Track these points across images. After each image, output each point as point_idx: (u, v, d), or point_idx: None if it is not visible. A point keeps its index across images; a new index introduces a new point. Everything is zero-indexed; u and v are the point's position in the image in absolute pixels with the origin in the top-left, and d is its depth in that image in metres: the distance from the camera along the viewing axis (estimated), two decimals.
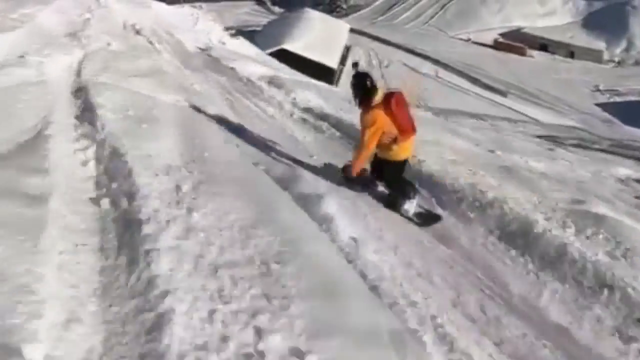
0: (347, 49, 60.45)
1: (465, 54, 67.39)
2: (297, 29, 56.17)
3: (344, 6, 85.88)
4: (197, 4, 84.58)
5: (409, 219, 7.25)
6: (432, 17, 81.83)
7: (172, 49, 17.71)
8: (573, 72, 67.28)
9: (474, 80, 58.23)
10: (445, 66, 60.81)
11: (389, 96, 6.97)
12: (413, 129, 7.17)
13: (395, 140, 7.01)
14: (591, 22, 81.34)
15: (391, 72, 57.09)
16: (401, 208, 7.30)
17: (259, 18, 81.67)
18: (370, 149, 7.12)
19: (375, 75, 56.99)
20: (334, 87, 53.22)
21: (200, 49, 19.54)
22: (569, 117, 50.86)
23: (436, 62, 61.32)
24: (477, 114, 41.27)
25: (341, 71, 54.95)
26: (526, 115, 45.29)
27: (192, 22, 23.28)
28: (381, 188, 7.80)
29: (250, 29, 72.13)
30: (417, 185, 7.77)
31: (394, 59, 60.93)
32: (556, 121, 45.20)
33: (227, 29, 74.64)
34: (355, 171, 7.35)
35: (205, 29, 22.58)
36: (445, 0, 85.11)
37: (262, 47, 54.57)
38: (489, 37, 76.58)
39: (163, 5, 24.07)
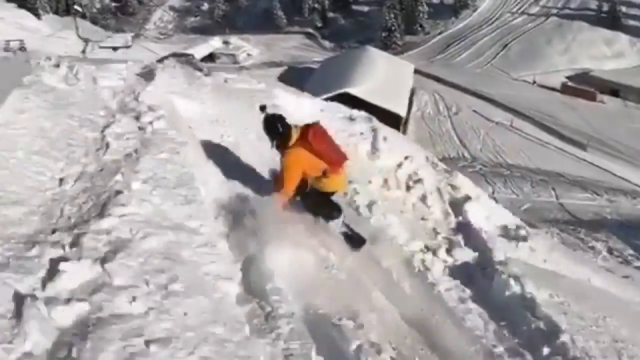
0: (412, 93, 55.82)
1: (531, 98, 62.32)
2: (360, 70, 51.68)
3: (399, 42, 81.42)
4: (244, 36, 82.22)
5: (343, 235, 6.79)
6: (494, 57, 76.91)
7: None
8: None
9: (549, 130, 53.21)
10: (516, 113, 55.90)
11: (306, 131, 6.33)
12: (342, 159, 6.61)
13: (325, 174, 6.45)
14: None
15: (461, 120, 52.34)
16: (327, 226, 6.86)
17: (310, 53, 77.90)
18: (290, 193, 6.44)
19: (444, 123, 53.18)
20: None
21: None
22: None
23: (507, 109, 56.38)
24: (584, 181, 36.25)
25: (407, 119, 50.42)
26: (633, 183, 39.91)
27: (360, 131, 9.74)
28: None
29: (302, 65, 68.46)
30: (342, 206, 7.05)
31: (462, 104, 55.97)
32: None
33: (276, 64, 72.40)
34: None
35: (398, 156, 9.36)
36: (508, 39, 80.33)
37: (320, 89, 50.54)
38: (555, 80, 71.44)
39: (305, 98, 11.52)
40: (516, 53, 77.37)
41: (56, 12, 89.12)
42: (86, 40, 51.31)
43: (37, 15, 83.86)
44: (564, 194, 32.05)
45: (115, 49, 66.35)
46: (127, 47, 68.74)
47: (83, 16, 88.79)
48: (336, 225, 6.84)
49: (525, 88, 68.28)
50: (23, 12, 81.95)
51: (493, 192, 31.01)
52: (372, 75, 50.78)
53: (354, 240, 6.84)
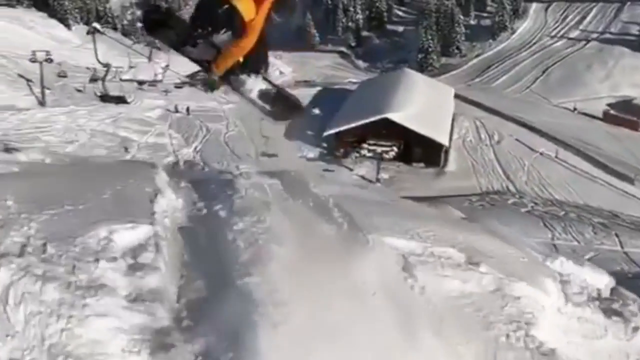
0: (452, 119, 53.96)
1: (573, 126, 60.12)
2: (399, 94, 49.87)
3: (436, 65, 79.71)
4: (277, 53, 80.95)
5: (253, 102, 5.75)
6: (533, 82, 74.78)
7: None
8: None
9: (594, 162, 50.99)
10: (558, 142, 53.79)
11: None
12: None
13: None
14: None
15: (504, 150, 50.42)
16: (241, 87, 5.81)
17: (344, 73, 76.64)
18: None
19: (486, 153, 51.30)
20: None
21: None
22: None
23: (550, 137, 54.30)
24: None
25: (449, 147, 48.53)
26: None
27: None
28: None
29: (337, 86, 67.01)
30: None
31: (504, 132, 54.00)
32: None
33: (310, 83, 70.82)
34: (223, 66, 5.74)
35: None
36: (547, 64, 78.22)
37: (359, 114, 49.07)
38: (596, 107, 69.07)
39: None
40: (556, 78, 75.12)
41: (87, 23, 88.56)
42: (107, 66, 48.71)
43: (67, 26, 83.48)
44: (628, 242, 30.01)
45: (141, 83, 60.87)
46: (157, 81, 62.08)
47: (114, 28, 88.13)
48: (255, 81, 5.93)
49: (566, 115, 66.05)
50: (53, 22, 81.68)
51: (553, 238, 29.17)
52: (412, 99, 49.01)
53: (285, 104, 6.08)
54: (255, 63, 5.93)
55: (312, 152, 47.78)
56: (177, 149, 45.10)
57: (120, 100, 43.33)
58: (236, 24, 5.48)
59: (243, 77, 5.90)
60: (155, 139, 46.65)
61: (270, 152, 45.20)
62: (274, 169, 44.07)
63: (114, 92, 49.45)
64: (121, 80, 54.68)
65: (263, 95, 5.82)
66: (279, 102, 5.90)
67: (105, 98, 42.09)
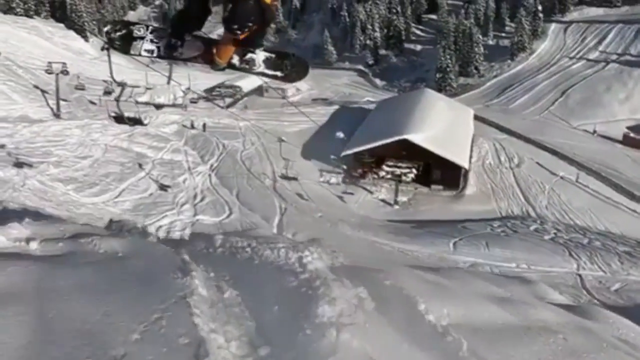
0: (471, 140, 53.14)
1: (593, 149, 59.06)
2: (419, 115, 49.12)
3: (454, 84, 78.95)
4: None
5: (264, 75, 5.57)
6: (552, 104, 73.65)
7: None
8: None
9: (615, 187, 49.83)
10: (579, 165, 52.77)
11: None
12: None
13: None
14: None
15: (524, 173, 49.49)
16: (253, 67, 5.51)
17: (361, 91, 76.00)
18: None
19: (506, 176, 50.33)
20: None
21: None
22: None
23: (571, 161, 53.31)
24: None
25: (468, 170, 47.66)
26: None
27: None
28: None
29: (354, 105, 66.40)
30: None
31: (524, 154, 53.09)
32: None
33: (326, 101, 70.06)
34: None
35: None
36: (566, 85, 77.16)
37: (377, 134, 48.35)
38: (616, 130, 68.01)
39: None
40: (575, 100, 73.89)
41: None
42: (121, 85, 47.55)
43: (85, 37, 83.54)
44: None
45: (158, 107, 58.36)
46: (176, 105, 59.41)
47: None
48: (259, 54, 5.61)
49: (586, 138, 64.99)
50: (71, 33, 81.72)
51: (578, 268, 28.24)
52: (432, 120, 48.25)
53: (292, 61, 5.73)
54: (258, 38, 5.61)
55: (335, 177, 46.67)
56: (192, 167, 44.38)
57: (135, 122, 42.53)
58: (267, 16, 4.97)
59: (249, 56, 5.65)
60: (170, 155, 45.94)
61: (290, 175, 44.30)
62: (294, 191, 43.54)
63: (129, 113, 48.72)
64: (137, 102, 53.37)
65: (267, 64, 5.62)
66: (285, 64, 5.67)
67: (119, 119, 41.14)
